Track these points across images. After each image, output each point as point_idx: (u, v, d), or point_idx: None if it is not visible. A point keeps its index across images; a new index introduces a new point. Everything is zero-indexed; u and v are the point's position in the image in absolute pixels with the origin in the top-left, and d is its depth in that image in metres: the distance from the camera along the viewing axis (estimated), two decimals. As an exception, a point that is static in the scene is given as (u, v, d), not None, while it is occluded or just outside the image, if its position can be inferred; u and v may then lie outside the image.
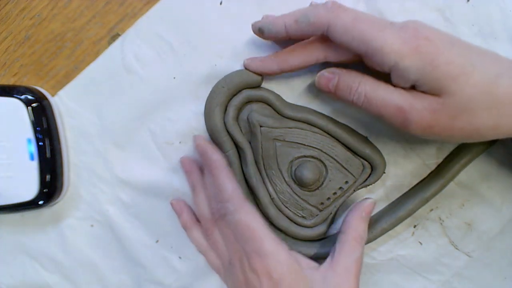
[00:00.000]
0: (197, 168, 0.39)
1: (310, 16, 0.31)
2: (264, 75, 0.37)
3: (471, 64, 0.28)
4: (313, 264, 0.36)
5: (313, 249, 0.38)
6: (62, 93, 0.40)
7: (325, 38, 0.33)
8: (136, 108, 0.39)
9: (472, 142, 0.36)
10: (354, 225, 0.35)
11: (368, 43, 0.29)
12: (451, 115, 0.28)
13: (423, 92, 0.29)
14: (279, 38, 0.34)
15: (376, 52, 0.29)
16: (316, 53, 0.34)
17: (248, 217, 0.34)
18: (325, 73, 0.33)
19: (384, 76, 0.31)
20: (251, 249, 0.33)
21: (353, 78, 0.32)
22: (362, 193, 0.40)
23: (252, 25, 0.35)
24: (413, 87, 0.30)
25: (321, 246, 0.38)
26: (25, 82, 0.40)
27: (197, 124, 0.39)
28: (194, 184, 0.39)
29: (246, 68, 0.36)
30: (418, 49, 0.28)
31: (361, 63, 0.32)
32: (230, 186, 0.35)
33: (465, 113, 0.28)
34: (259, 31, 0.34)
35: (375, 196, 0.40)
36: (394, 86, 0.30)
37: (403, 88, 0.30)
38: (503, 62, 0.29)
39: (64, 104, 0.40)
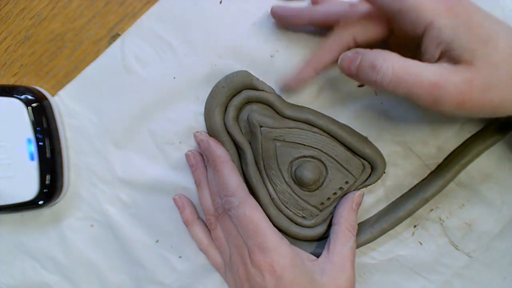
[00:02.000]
0: (203, 163, 0.39)
1: None
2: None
3: (495, 30, 0.28)
4: (312, 257, 0.36)
5: (313, 248, 0.38)
6: (62, 93, 0.40)
7: (350, 21, 0.33)
8: (136, 108, 0.39)
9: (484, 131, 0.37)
10: (346, 216, 0.36)
11: (404, 1, 0.28)
12: (484, 87, 0.27)
13: (453, 60, 0.28)
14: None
15: (411, 10, 0.28)
16: (344, 38, 0.33)
17: (252, 211, 0.34)
18: (349, 53, 0.31)
19: (411, 53, 0.30)
20: (253, 243, 0.33)
21: (378, 55, 0.29)
22: (362, 193, 0.40)
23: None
24: (439, 60, 0.29)
25: (320, 246, 0.38)
26: (25, 82, 0.40)
27: (197, 124, 0.39)
28: (199, 179, 0.39)
29: (283, 89, 0.37)
30: (453, 9, 0.28)
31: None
32: (234, 180, 0.35)
33: (495, 84, 0.27)
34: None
35: (375, 196, 0.40)
36: (422, 58, 0.29)
37: (431, 61, 0.29)
38: None
39: (64, 104, 0.40)
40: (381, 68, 0.28)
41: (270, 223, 0.35)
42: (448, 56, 0.28)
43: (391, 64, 0.28)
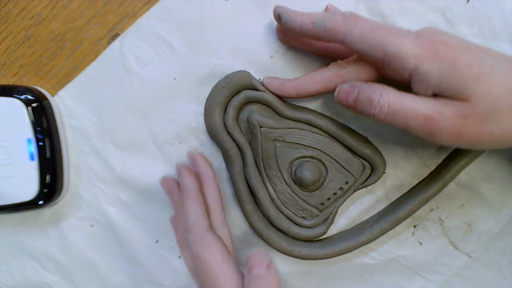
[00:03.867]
0: (177, 189, 0.38)
1: (327, 22, 0.31)
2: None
3: (489, 65, 0.27)
4: None
5: (313, 249, 0.38)
6: (62, 93, 0.40)
7: (341, 63, 0.33)
8: (136, 108, 0.39)
9: None
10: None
11: (386, 49, 0.29)
12: (480, 120, 0.27)
13: (448, 97, 0.28)
14: (293, 32, 0.33)
15: (395, 58, 0.28)
16: (334, 80, 0.33)
17: (206, 251, 0.32)
18: (345, 86, 0.32)
19: (404, 88, 0.30)
20: (207, 284, 0.32)
21: (374, 89, 0.30)
22: (362, 193, 0.40)
23: (274, 8, 0.34)
24: (436, 95, 0.29)
25: (321, 246, 0.38)
26: (25, 82, 0.40)
27: (197, 125, 0.39)
28: (174, 205, 0.39)
29: (264, 86, 0.37)
30: (436, 53, 0.28)
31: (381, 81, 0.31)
32: (193, 214, 0.34)
33: (493, 116, 0.27)
34: (278, 17, 0.34)
35: (375, 196, 0.40)
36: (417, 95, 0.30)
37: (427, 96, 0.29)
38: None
39: (64, 104, 0.40)
40: (378, 102, 0.29)
41: (228, 263, 0.32)
42: (441, 94, 0.28)
43: (387, 99, 0.29)
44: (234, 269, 0.32)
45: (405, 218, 0.38)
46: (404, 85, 0.30)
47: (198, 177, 0.37)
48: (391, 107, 0.29)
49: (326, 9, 0.36)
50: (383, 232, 0.38)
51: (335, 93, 0.32)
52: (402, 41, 0.28)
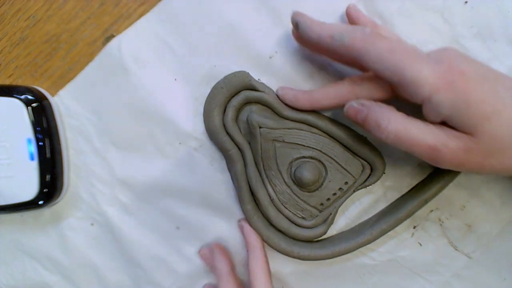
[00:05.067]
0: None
1: (345, 37, 0.30)
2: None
3: (502, 102, 0.27)
4: None
5: (313, 250, 0.38)
6: (62, 93, 0.40)
7: (356, 79, 0.33)
8: (135, 109, 0.39)
9: None
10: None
11: (402, 74, 0.28)
12: (483, 155, 0.28)
13: (455, 129, 0.29)
14: (310, 42, 0.33)
15: (410, 84, 0.28)
16: (348, 96, 0.33)
17: None
18: (355, 104, 0.32)
19: (415, 108, 0.30)
20: None
21: (383, 114, 0.30)
22: (361, 193, 0.40)
23: (293, 15, 0.34)
24: (443, 122, 0.29)
25: (320, 247, 0.38)
26: (20, 83, 0.40)
27: (196, 125, 0.39)
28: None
29: (277, 96, 0.37)
30: (452, 84, 0.27)
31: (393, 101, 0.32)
32: None
33: (496, 152, 0.28)
34: (295, 25, 0.33)
35: (375, 196, 0.40)
36: (425, 119, 0.30)
37: (434, 122, 0.30)
38: None
39: (64, 104, 0.40)
40: (386, 128, 0.30)
41: None
42: (449, 123, 0.29)
43: (395, 126, 0.29)
44: None
45: (404, 219, 0.37)
46: (415, 105, 0.30)
47: (229, 259, 0.39)
48: (397, 134, 0.29)
49: (348, 12, 0.35)
50: (383, 232, 0.38)
51: (345, 107, 0.32)
52: (420, 67, 0.28)
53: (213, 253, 0.39)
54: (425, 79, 0.28)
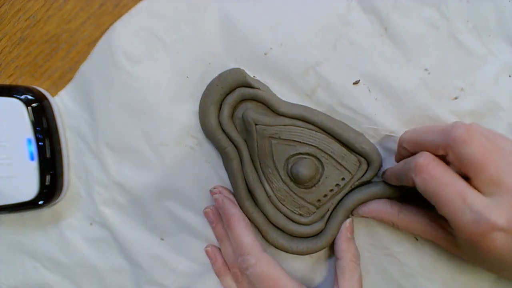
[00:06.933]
0: (221, 219, 0.39)
1: (403, 177, 0.32)
2: None
3: None
4: None
5: (311, 245, 0.38)
6: (62, 93, 0.40)
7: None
8: (129, 108, 0.39)
9: None
10: (346, 248, 0.37)
11: (445, 212, 0.29)
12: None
13: None
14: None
15: (448, 219, 0.30)
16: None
17: (269, 268, 0.36)
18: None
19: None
20: None
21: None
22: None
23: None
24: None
25: (318, 242, 0.38)
26: (20, 83, 0.40)
27: (192, 124, 0.39)
28: (220, 233, 0.40)
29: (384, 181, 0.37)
30: (480, 245, 0.28)
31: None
32: (248, 239, 0.36)
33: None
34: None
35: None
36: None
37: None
38: None
39: (64, 104, 0.40)
40: None
41: (288, 275, 0.36)
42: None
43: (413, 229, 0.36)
44: (291, 277, 0.36)
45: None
46: None
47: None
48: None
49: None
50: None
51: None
52: (461, 215, 0.28)
53: (222, 203, 0.38)
54: (461, 227, 0.29)
